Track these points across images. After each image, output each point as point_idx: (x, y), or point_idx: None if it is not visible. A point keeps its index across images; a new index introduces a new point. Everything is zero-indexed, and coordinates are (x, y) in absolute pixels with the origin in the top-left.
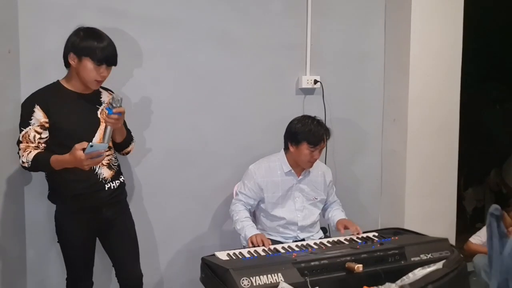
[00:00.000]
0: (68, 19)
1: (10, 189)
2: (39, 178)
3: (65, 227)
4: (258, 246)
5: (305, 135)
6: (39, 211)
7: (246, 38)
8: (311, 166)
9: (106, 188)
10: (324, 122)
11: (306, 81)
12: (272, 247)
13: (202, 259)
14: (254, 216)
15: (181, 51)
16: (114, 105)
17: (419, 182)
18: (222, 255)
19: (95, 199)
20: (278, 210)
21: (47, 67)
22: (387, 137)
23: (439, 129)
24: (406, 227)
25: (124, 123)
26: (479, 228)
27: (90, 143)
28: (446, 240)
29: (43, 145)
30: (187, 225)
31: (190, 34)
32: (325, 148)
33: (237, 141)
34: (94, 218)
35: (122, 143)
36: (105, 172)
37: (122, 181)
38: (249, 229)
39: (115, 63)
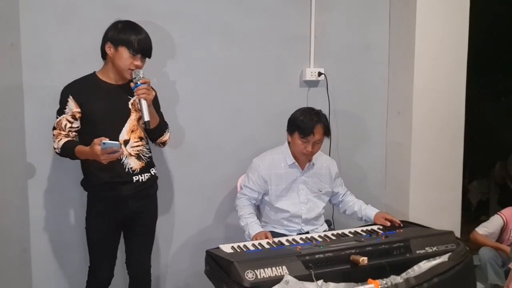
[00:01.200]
0: (70, 13)
1: (13, 183)
2: (44, 171)
3: (92, 214)
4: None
5: (297, 124)
6: (43, 204)
7: (249, 29)
8: (307, 159)
9: (134, 181)
10: (328, 115)
11: (310, 74)
12: (276, 239)
13: (207, 251)
14: (258, 209)
15: (182, 43)
16: (137, 77)
17: (423, 174)
18: (227, 248)
19: (121, 190)
20: (282, 203)
21: (49, 60)
22: (392, 129)
23: (444, 122)
24: (411, 219)
25: (157, 107)
26: (484, 221)
27: (103, 141)
28: (451, 232)
29: (74, 133)
30: (191, 218)
31: (191, 25)
32: (329, 141)
33: (240, 134)
34: (119, 209)
35: (156, 130)
36: (132, 163)
37: (153, 174)
38: (253, 227)
39: (149, 55)
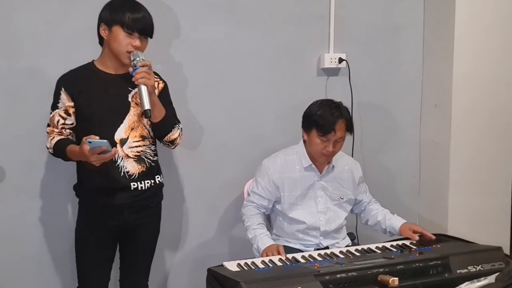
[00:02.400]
0: None
1: None
2: (13, 175)
3: (83, 224)
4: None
5: (315, 120)
6: (12, 214)
7: (259, 8)
8: (326, 161)
9: (132, 188)
10: (350, 109)
11: (329, 60)
12: (290, 256)
13: (209, 270)
14: (269, 220)
15: (181, 24)
16: (136, 60)
17: (465, 178)
18: (232, 266)
19: (115, 198)
20: (297, 212)
21: (23, 45)
22: (427, 125)
23: (489, 116)
24: (450, 233)
25: (166, 101)
26: None
27: (88, 140)
28: (499, 249)
29: (68, 131)
30: (190, 230)
31: (192, 3)
32: (352, 139)
33: (247, 132)
34: (114, 220)
35: (161, 125)
36: (129, 166)
37: (158, 182)
38: (262, 239)
39: (150, 34)
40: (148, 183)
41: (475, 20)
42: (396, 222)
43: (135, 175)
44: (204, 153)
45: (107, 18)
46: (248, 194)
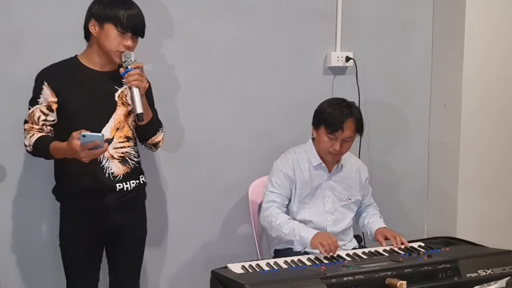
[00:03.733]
0: None
1: None
2: (14, 175)
3: (67, 229)
4: (330, 250)
5: (324, 117)
6: (11, 214)
7: (264, 6)
8: (333, 159)
9: (117, 189)
10: (358, 107)
11: (336, 58)
12: (295, 258)
13: (212, 272)
14: None
15: (184, 20)
16: (128, 61)
17: (475, 180)
18: (236, 268)
19: (101, 200)
20: (304, 212)
21: (24, 41)
22: (436, 125)
23: (500, 116)
24: (459, 235)
25: (151, 102)
26: None
27: (82, 133)
28: (510, 252)
29: (49, 127)
30: (193, 231)
31: (197, 1)
32: (359, 140)
33: (252, 131)
34: (100, 223)
35: (148, 127)
36: (114, 167)
37: (142, 182)
38: (304, 230)
39: (141, 34)
40: (133, 183)
41: (486, 17)
42: (374, 226)
43: (120, 176)
44: (209, 153)
45: (99, 14)
46: (265, 196)
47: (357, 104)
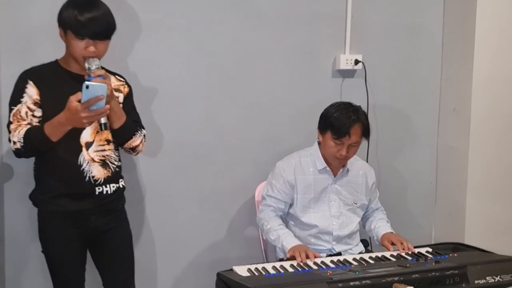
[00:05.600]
0: None
1: None
2: (21, 174)
3: (48, 234)
4: (301, 261)
5: (330, 122)
6: (21, 213)
7: (273, 8)
8: (339, 164)
9: (97, 193)
10: (366, 112)
11: (345, 61)
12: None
13: (218, 274)
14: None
15: (192, 23)
16: (92, 68)
17: (483, 185)
18: (242, 271)
19: (80, 203)
20: (309, 216)
21: (34, 42)
22: (445, 130)
23: (509, 121)
24: (467, 241)
25: (130, 106)
26: None
27: (86, 83)
28: None
29: (36, 123)
30: (199, 233)
31: (204, 2)
32: (367, 144)
33: (260, 133)
34: (81, 227)
35: (120, 131)
36: (95, 171)
37: (121, 186)
38: (286, 239)
39: (104, 37)
40: (113, 186)
41: (496, 22)
42: (381, 231)
43: (101, 180)
44: (216, 155)
45: (61, 21)
46: (264, 198)
47: (365, 107)
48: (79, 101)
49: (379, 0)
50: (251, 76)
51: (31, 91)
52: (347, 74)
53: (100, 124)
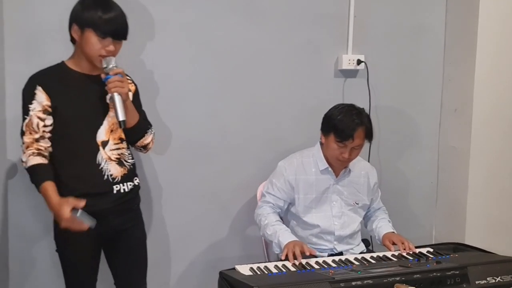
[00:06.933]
0: None
1: None
2: (25, 171)
3: (65, 234)
4: (296, 258)
5: (334, 125)
6: (25, 209)
7: (275, 7)
8: (341, 166)
9: (115, 191)
10: (368, 113)
11: (348, 61)
12: (304, 261)
13: (220, 273)
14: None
15: (197, 23)
16: (109, 67)
17: (485, 186)
18: (244, 269)
19: (100, 203)
20: (311, 216)
21: (41, 43)
22: (446, 130)
23: (511, 122)
24: (468, 242)
25: (138, 104)
26: None
27: (80, 210)
28: None
29: (48, 134)
30: (202, 232)
31: (208, 2)
32: (368, 144)
33: (262, 133)
34: (98, 226)
35: (134, 130)
36: (112, 169)
37: (136, 184)
38: (283, 234)
39: (123, 37)
40: (130, 185)
41: (499, 22)
42: (382, 230)
43: (118, 178)
44: (219, 154)
45: (79, 19)
46: (263, 195)
47: (367, 107)
48: (74, 209)
49: (381, 0)
50: (254, 75)
51: (41, 97)
52: (349, 74)
53: (119, 122)
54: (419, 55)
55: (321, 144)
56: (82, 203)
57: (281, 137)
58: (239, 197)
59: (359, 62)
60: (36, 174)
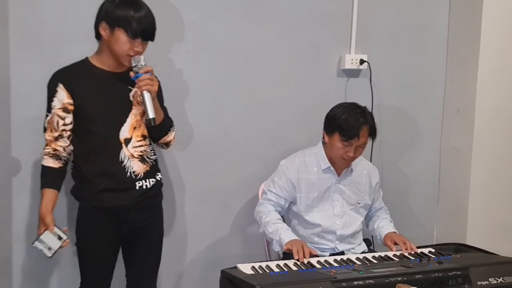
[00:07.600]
0: None
1: None
2: (29, 168)
3: (86, 229)
4: (298, 257)
5: (339, 124)
6: (29, 207)
7: (278, 7)
8: (345, 164)
9: (137, 187)
10: (371, 112)
11: (350, 61)
12: (305, 260)
13: (222, 272)
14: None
15: (199, 22)
16: (138, 65)
17: (486, 186)
18: (246, 268)
19: (122, 199)
20: (313, 215)
21: (43, 40)
22: (448, 130)
23: None
24: (469, 242)
25: (161, 100)
26: None
27: (40, 237)
28: None
29: (68, 133)
30: (203, 230)
31: (211, 2)
32: (370, 144)
33: (264, 131)
34: (120, 222)
35: (160, 128)
36: (135, 166)
37: (159, 179)
38: (284, 233)
39: (152, 38)
40: (152, 181)
41: (502, 22)
42: (384, 230)
43: (141, 175)
44: (221, 153)
45: (109, 16)
46: (264, 193)
47: (370, 107)
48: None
49: (385, 0)
50: (257, 74)
51: (61, 95)
52: (352, 73)
53: (150, 119)
54: (422, 55)
55: (323, 143)
56: (52, 226)
57: (284, 136)
58: (241, 196)
59: (362, 62)
60: (43, 176)
